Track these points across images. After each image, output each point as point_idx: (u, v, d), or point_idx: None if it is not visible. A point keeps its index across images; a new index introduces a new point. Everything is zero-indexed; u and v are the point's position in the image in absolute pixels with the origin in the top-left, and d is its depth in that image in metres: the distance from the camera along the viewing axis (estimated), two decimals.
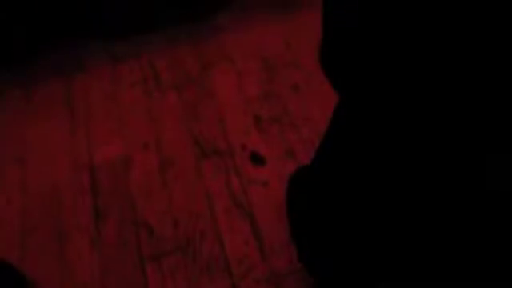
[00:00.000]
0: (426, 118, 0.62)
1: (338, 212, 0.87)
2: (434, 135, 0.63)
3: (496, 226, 0.70)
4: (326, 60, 0.69)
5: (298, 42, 1.91)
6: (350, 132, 0.79)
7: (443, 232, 0.73)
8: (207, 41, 1.96)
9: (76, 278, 1.40)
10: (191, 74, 1.86)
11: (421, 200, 0.73)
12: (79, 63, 1.93)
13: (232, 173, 1.58)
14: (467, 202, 0.69)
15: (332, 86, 0.72)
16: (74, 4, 1.92)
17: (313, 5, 2.02)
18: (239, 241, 1.43)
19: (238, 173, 1.57)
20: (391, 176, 0.74)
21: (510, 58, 0.56)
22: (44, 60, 1.95)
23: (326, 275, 0.98)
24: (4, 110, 1.81)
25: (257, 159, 1.60)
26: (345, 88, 0.69)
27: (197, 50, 1.93)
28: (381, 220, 0.81)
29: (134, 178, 1.59)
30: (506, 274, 0.73)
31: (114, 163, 1.63)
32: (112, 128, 1.72)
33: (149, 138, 1.68)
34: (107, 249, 1.44)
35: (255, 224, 1.46)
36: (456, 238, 0.74)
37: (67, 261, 1.43)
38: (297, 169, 1.25)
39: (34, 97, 1.84)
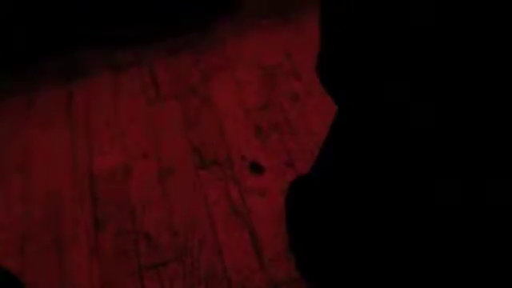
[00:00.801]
0: (420, 128, 0.62)
1: (336, 219, 0.88)
2: (430, 143, 0.63)
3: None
4: (323, 69, 0.70)
5: (298, 51, 1.92)
6: (348, 141, 0.79)
7: (444, 237, 0.74)
8: (207, 50, 1.96)
9: (75, 286, 1.40)
10: (191, 84, 1.87)
11: (419, 207, 0.74)
12: (80, 72, 1.94)
13: (231, 182, 1.58)
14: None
15: (329, 95, 0.73)
16: (75, 12, 1.93)
17: (312, 15, 2.03)
18: (238, 250, 1.43)
19: (237, 182, 1.58)
20: (389, 184, 0.74)
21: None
22: (45, 68, 1.96)
23: (324, 282, 0.98)
24: (5, 118, 1.81)
25: (256, 168, 1.61)
26: (341, 97, 0.69)
27: (197, 59, 1.94)
28: (379, 227, 0.81)
29: (133, 187, 1.59)
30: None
31: (113, 172, 1.63)
32: (112, 137, 1.73)
33: (148, 148, 1.69)
34: (106, 257, 1.44)
35: (254, 233, 1.46)
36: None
37: (66, 269, 1.43)
38: (296, 178, 1.26)
39: (34, 105, 1.85)
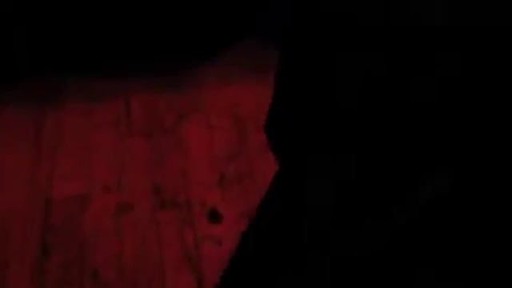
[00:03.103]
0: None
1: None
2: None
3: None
4: (268, 130, 0.71)
5: None
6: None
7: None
8: (185, 92, 1.98)
9: None
10: (164, 123, 1.87)
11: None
12: (55, 97, 1.94)
13: (187, 226, 1.57)
14: None
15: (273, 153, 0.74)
16: (55, 38, 1.95)
17: None
18: None
19: (194, 227, 1.57)
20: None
21: None
22: (20, 90, 1.95)
23: None
24: None
25: (214, 216, 1.60)
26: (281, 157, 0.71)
27: (174, 99, 1.95)
28: None
29: (88, 218, 1.58)
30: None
31: (71, 200, 1.62)
32: (76, 165, 1.72)
33: (110, 181, 1.68)
34: (48, 286, 1.42)
35: (202, 281, 1.45)
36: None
37: None
38: (245, 230, 1.25)
39: (1, 121, 1.83)
